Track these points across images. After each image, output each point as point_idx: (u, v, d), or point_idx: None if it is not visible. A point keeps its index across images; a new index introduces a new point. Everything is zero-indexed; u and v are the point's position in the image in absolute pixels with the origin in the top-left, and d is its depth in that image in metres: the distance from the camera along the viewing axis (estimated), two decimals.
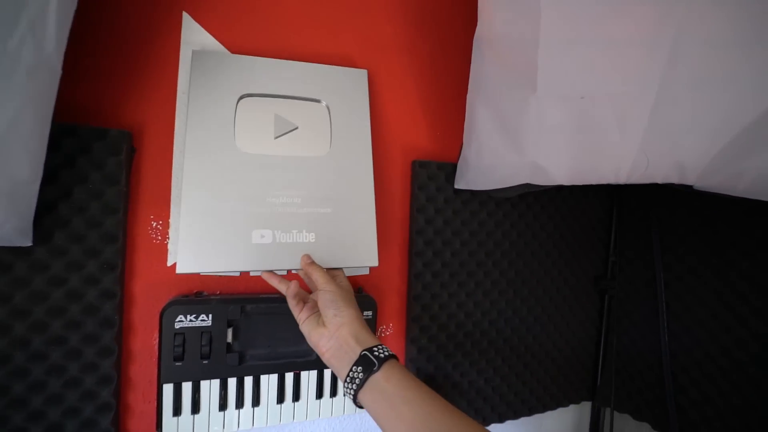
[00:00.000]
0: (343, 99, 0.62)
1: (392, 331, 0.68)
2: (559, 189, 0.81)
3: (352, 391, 0.42)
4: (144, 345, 0.54)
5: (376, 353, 0.42)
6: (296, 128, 0.58)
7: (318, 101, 0.60)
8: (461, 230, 0.70)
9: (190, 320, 0.53)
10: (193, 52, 0.55)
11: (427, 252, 0.67)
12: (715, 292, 0.67)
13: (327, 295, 0.47)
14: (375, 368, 0.41)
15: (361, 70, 0.64)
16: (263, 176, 0.55)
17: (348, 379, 0.42)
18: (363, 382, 0.41)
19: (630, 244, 0.83)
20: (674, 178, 0.60)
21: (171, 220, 0.55)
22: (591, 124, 0.56)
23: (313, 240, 0.55)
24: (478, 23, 0.59)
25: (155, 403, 0.54)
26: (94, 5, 0.51)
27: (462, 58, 0.71)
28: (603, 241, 0.85)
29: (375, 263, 0.58)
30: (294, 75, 0.60)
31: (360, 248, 0.58)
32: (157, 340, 0.54)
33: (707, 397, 0.67)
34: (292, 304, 0.51)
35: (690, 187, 0.60)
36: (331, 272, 0.52)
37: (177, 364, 0.53)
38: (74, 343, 0.50)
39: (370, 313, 0.62)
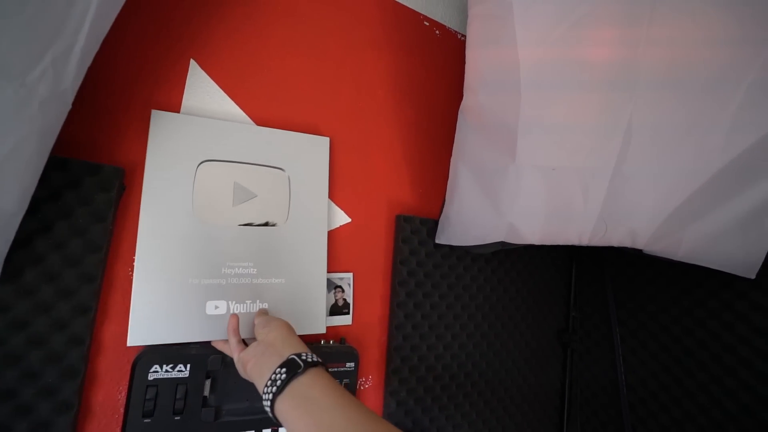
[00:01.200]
0: (304, 167, 0.63)
1: (371, 383, 0.66)
2: (527, 248, 0.88)
3: (271, 395, 0.38)
4: (107, 399, 0.49)
5: (304, 357, 0.40)
6: (255, 197, 0.59)
7: (281, 169, 0.61)
8: (440, 283, 0.73)
9: (166, 371, 0.49)
10: (153, 112, 0.54)
11: (408, 303, 0.69)
12: (663, 347, 0.75)
13: (259, 320, 0.49)
14: (300, 371, 0.39)
15: (323, 137, 0.65)
16: (219, 247, 0.55)
17: (269, 383, 0.39)
18: (285, 384, 0.38)
19: (588, 300, 0.90)
20: (627, 243, 0.68)
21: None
22: (560, 193, 0.63)
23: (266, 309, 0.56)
24: (464, 97, 0.67)
25: None
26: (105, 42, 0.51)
27: (443, 124, 0.78)
28: (564, 298, 0.91)
29: (323, 331, 0.61)
30: (258, 140, 0.60)
31: (310, 317, 0.60)
32: (125, 393, 0.49)
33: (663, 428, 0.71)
34: (233, 342, 0.50)
35: (640, 251, 0.69)
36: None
37: (146, 420, 0.48)
38: (27, 397, 0.44)
39: (352, 364, 0.61)
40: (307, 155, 0.64)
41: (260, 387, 0.40)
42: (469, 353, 0.75)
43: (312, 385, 0.38)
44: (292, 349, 0.42)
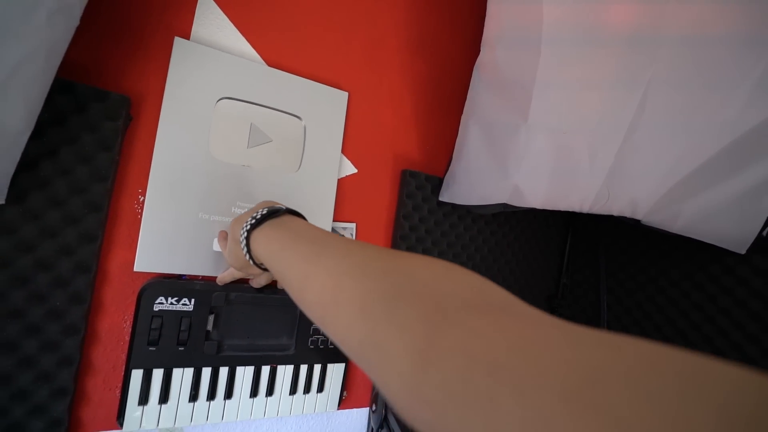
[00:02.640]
0: (321, 119, 0.62)
1: None
2: (526, 213, 0.89)
3: (249, 226, 0.39)
4: (112, 326, 0.50)
5: (284, 207, 0.41)
6: (270, 141, 0.59)
7: (298, 118, 0.61)
8: (440, 240, 0.74)
9: (171, 303, 0.50)
10: (176, 40, 0.52)
11: None
12: (647, 315, 0.78)
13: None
14: (281, 212, 0.39)
15: (342, 92, 0.65)
16: (231, 185, 0.55)
17: (249, 219, 0.39)
18: (264, 218, 0.39)
19: (579, 268, 0.93)
20: (627, 213, 0.69)
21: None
22: (568, 157, 0.63)
23: None
24: (481, 52, 0.65)
25: (117, 391, 0.50)
26: None
27: (455, 81, 0.77)
28: (557, 264, 0.94)
29: None
30: (277, 84, 0.59)
31: None
32: (130, 322, 0.50)
33: None
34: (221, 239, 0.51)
35: (638, 221, 0.70)
36: None
37: (150, 348, 0.49)
38: (34, 318, 0.45)
39: None
40: (325, 107, 0.63)
41: (239, 234, 0.40)
42: None
43: (292, 219, 0.38)
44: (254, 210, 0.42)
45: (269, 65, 0.59)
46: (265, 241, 0.37)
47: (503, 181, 0.66)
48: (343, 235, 0.66)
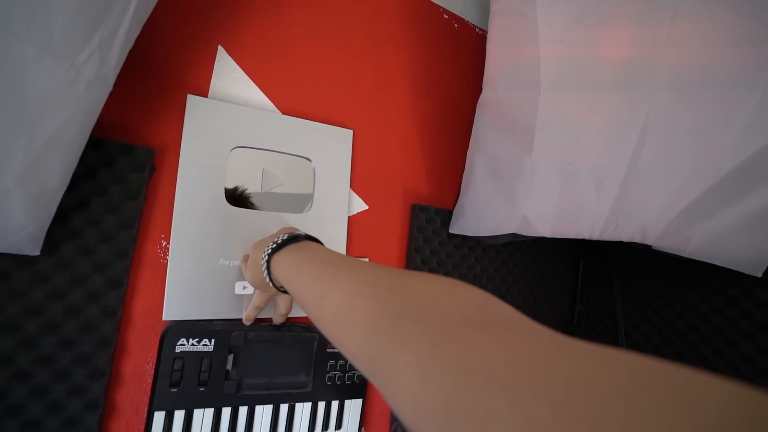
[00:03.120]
0: (329, 158, 0.65)
1: None
2: (536, 241, 0.89)
3: (270, 250, 0.42)
4: (136, 369, 0.52)
5: (304, 233, 0.43)
6: (282, 184, 0.62)
7: (308, 159, 0.63)
8: (452, 272, 0.75)
9: (192, 344, 0.52)
10: (189, 97, 0.55)
11: None
12: (667, 341, 0.77)
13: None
14: (300, 237, 0.42)
15: (347, 130, 0.67)
16: (247, 231, 0.58)
17: (270, 244, 0.43)
18: (284, 243, 0.42)
19: (594, 294, 0.92)
20: (637, 238, 0.70)
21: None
22: (574, 187, 0.64)
23: None
24: (483, 91, 0.68)
25: None
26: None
27: (459, 117, 0.80)
28: (570, 291, 0.93)
29: None
30: (288, 130, 0.62)
31: None
32: (152, 364, 0.51)
33: None
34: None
35: (649, 246, 0.71)
36: None
37: (173, 390, 0.51)
38: (64, 363, 0.47)
39: None
40: (331, 146, 0.66)
41: (259, 256, 0.44)
42: None
43: (310, 244, 0.41)
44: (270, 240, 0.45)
45: (283, 113, 0.63)
46: (285, 265, 0.40)
47: (511, 212, 0.67)
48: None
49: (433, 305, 0.23)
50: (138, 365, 0.52)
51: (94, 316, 0.48)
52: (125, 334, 0.51)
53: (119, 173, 0.50)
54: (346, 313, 0.27)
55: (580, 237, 0.71)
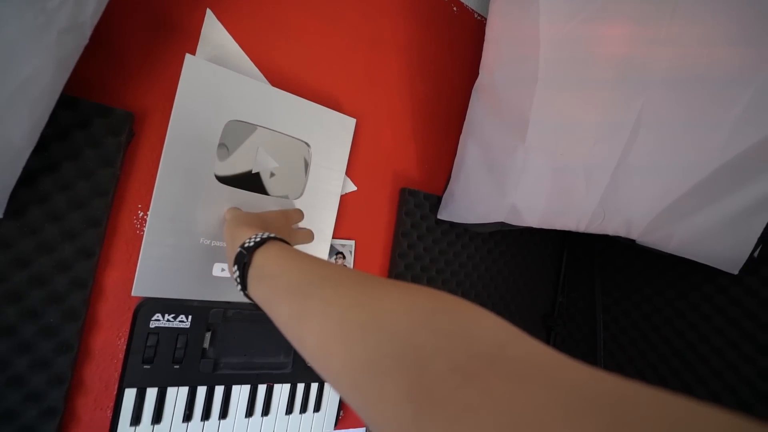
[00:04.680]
0: (328, 145, 0.62)
1: None
2: (522, 232, 0.90)
3: (240, 292, 0.39)
4: (106, 344, 0.49)
5: (247, 244, 0.38)
6: (276, 167, 0.59)
7: (306, 144, 0.60)
8: (438, 258, 0.74)
9: (168, 320, 0.50)
10: (187, 57, 0.51)
11: (406, 275, 0.70)
12: (643, 334, 0.78)
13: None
14: (246, 260, 0.37)
15: (351, 118, 0.64)
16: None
17: (234, 276, 0.39)
18: (244, 278, 0.37)
19: (575, 287, 0.93)
20: (622, 232, 0.70)
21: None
22: (564, 178, 0.64)
23: None
24: (480, 75, 0.67)
25: (109, 411, 0.49)
26: None
27: (453, 102, 0.78)
28: (553, 283, 0.94)
29: None
30: (287, 109, 0.58)
31: None
32: (124, 340, 0.49)
33: None
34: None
35: (633, 241, 0.71)
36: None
37: (145, 366, 0.48)
38: (26, 335, 0.44)
39: None
40: (332, 133, 0.62)
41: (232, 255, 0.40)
42: None
43: (264, 263, 0.36)
44: (238, 239, 0.40)
45: (272, 84, 0.60)
46: (262, 300, 0.36)
47: (501, 200, 0.67)
48: (338, 254, 0.66)
49: (412, 346, 0.20)
50: (109, 340, 0.49)
51: (62, 287, 0.45)
52: (96, 307, 0.49)
53: (94, 137, 0.47)
54: (325, 361, 0.25)
55: (566, 229, 0.71)
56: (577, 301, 0.92)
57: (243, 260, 0.37)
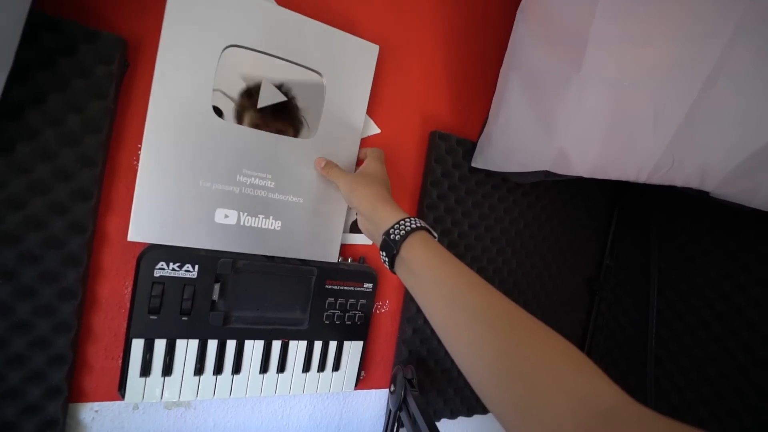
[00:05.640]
0: (345, 77, 0.54)
1: (388, 308, 0.63)
2: (568, 185, 0.79)
3: (387, 266, 0.42)
4: (113, 292, 0.47)
5: (393, 235, 0.40)
6: (284, 100, 0.52)
7: (318, 74, 0.53)
8: (471, 211, 0.66)
9: (173, 269, 0.46)
10: None
11: (435, 229, 0.63)
12: (708, 302, 0.68)
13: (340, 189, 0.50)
14: (395, 252, 0.40)
15: (373, 44, 0.55)
16: (237, 150, 0.49)
17: (382, 259, 0.42)
18: (392, 262, 0.41)
19: (626, 249, 0.83)
20: (694, 183, 0.59)
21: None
22: (627, 115, 0.53)
23: (279, 228, 0.52)
24: None
25: (119, 361, 0.47)
26: None
27: (493, 33, 0.67)
28: (600, 244, 0.84)
29: (335, 259, 0.57)
30: (297, 32, 0.50)
31: (324, 245, 0.55)
32: (130, 288, 0.46)
33: (689, 404, 0.68)
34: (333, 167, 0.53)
35: (707, 194, 0.60)
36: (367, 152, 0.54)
37: (152, 317, 0.46)
38: (28, 280, 0.42)
39: (370, 285, 0.57)
40: (350, 62, 0.54)
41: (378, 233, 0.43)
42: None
43: (411, 259, 0.39)
44: (381, 224, 0.42)
45: (279, 3, 0.52)
46: (404, 280, 0.40)
47: (547, 144, 0.57)
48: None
49: (550, 403, 0.25)
50: (115, 288, 0.47)
51: (59, 231, 0.42)
52: (99, 254, 0.46)
53: (82, 65, 0.42)
54: (478, 386, 0.31)
55: (623, 179, 0.61)
56: (628, 265, 0.82)
57: (391, 252, 0.40)
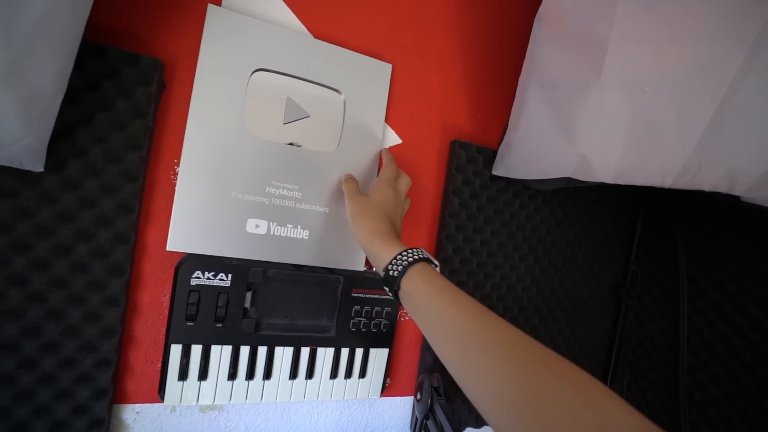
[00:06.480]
0: (362, 94, 0.58)
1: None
2: (590, 191, 0.79)
3: (402, 265, 0.41)
4: (152, 300, 0.49)
5: (392, 271, 0.40)
6: (308, 117, 0.55)
7: (337, 92, 0.56)
8: (493, 219, 0.67)
9: (208, 278, 0.48)
10: (209, 7, 0.49)
11: (457, 237, 0.64)
12: (741, 309, 0.66)
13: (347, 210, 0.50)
14: (396, 287, 0.40)
15: (386, 64, 0.59)
16: (266, 163, 0.52)
17: (404, 255, 0.41)
18: (396, 297, 0.41)
19: (652, 254, 0.81)
20: (723, 188, 0.58)
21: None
22: (650, 119, 0.53)
23: (306, 237, 0.54)
24: (543, 2, 0.56)
25: (158, 365, 0.49)
26: None
27: (511, 40, 0.68)
28: (625, 250, 0.83)
29: (362, 268, 0.58)
30: (316, 55, 0.55)
31: (349, 253, 0.57)
32: (168, 296, 0.49)
33: (724, 417, 0.66)
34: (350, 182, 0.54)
35: (737, 198, 0.59)
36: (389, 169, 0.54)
37: (189, 324, 0.48)
38: (78, 289, 0.45)
39: None
40: (367, 80, 0.58)
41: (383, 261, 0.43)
42: (516, 296, 0.70)
43: (412, 292, 0.39)
44: (380, 260, 0.42)
45: (310, 31, 0.55)
46: (409, 312, 0.40)
47: (568, 151, 0.58)
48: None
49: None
50: (154, 296, 0.49)
51: (105, 242, 0.45)
52: (139, 263, 0.49)
53: (124, 87, 0.45)
54: (485, 413, 0.30)
55: (648, 184, 0.60)
56: (654, 270, 0.80)
57: (393, 287, 0.41)
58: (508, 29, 0.68)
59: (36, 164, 0.40)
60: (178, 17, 0.49)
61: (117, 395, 0.48)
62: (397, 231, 0.49)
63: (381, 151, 0.59)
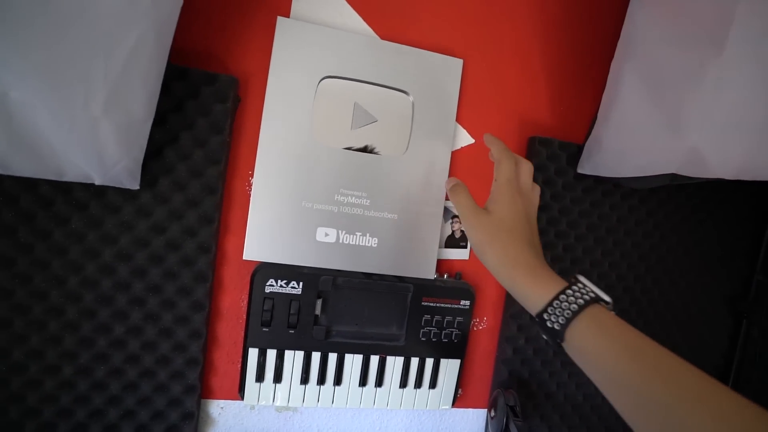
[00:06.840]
0: (431, 93, 0.54)
1: (486, 325, 0.60)
2: (701, 186, 0.67)
3: (566, 315, 0.33)
4: (232, 305, 0.52)
5: (550, 323, 0.33)
6: (375, 121, 0.53)
7: (405, 93, 0.54)
8: (578, 222, 0.60)
9: (281, 286, 0.50)
10: (279, 19, 0.49)
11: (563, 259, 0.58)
12: None
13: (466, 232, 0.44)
14: (559, 339, 0.33)
15: (456, 59, 0.55)
16: (334, 172, 0.52)
17: (565, 301, 0.34)
18: (559, 348, 0.34)
19: None
20: None
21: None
22: None
23: (375, 245, 0.53)
24: None
25: (238, 365, 0.52)
26: None
27: (600, 19, 0.60)
28: (747, 257, 0.70)
29: (432, 276, 0.55)
30: (382, 57, 0.53)
31: (419, 261, 0.54)
32: (246, 302, 0.51)
33: None
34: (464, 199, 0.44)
35: None
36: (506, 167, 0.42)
37: (264, 329, 0.50)
38: (169, 294, 0.49)
39: (467, 303, 0.55)
40: (435, 78, 0.55)
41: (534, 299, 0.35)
42: None
43: (574, 346, 0.32)
44: (531, 305, 0.35)
45: (376, 33, 0.53)
46: (579, 363, 0.33)
47: (675, 143, 0.49)
48: (454, 218, 0.57)
49: None
50: (234, 301, 0.52)
51: (191, 251, 0.49)
52: (220, 271, 0.52)
53: (204, 105, 0.48)
54: None
55: None
56: None
57: (554, 340, 0.33)
58: (598, 12, 0.60)
59: (133, 183, 0.44)
60: (251, 32, 0.51)
61: (204, 391, 0.52)
62: (537, 249, 0.39)
63: (484, 137, 0.47)
